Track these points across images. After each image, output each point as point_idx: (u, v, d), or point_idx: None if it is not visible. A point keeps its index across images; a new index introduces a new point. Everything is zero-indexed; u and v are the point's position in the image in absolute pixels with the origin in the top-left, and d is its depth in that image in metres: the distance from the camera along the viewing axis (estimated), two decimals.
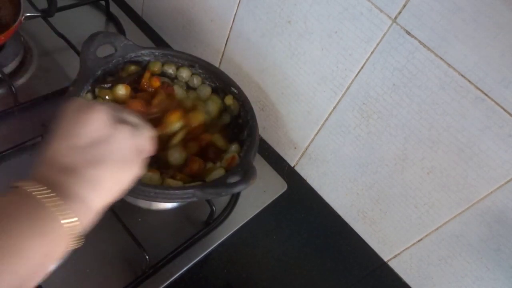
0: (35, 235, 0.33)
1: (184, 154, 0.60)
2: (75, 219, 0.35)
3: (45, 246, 0.34)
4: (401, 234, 0.68)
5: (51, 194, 0.35)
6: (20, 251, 0.32)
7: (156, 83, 0.66)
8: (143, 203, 0.66)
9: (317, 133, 0.72)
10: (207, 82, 0.70)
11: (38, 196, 0.34)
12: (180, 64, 0.69)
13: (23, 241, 0.32)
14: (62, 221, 0.34)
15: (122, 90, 0.63)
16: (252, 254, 0.68)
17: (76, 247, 0.36)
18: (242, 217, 0.70)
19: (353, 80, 0.62)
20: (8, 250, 0.31)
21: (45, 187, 0.35)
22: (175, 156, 0.60)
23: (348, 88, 0.63)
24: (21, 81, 0.72)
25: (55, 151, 0.38)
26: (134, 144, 0.41)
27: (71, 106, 0.41)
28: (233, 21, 0.74)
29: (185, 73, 0.69)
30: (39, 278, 0.34)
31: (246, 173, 0.55)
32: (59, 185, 0.36)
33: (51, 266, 0.35)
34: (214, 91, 0.70)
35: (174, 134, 0.61)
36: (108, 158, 0.39)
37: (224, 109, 0.69)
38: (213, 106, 0.67)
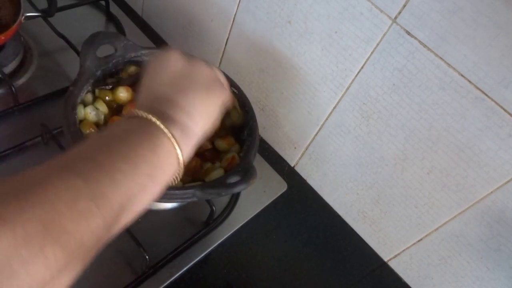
0: (145, 146, 0.36)
1: None
2: (179, 146, 0.38)
3: (154, 156, 0.36)
4: (401, 234, 0.68)
5: (160, 120, 0.38)
6: (135, 162, 0.34)
7: None
8: None
9: (317, 133, 0.72)
10: None
11: (153, 120, 0.38)
12: None
13: (134, 149, 0.35)
14: (170, 138, 0.37)
15: (123, 93, 0.63)
16: (252, 254, 0.68)
17: (177, 173, 0.39)
18: (242, 217, 0.70)
19: (353, 80, 0.62)
20: (125, 157, 0.34)
21: (156, 116, 0.38)
22: None
23: (348, 88, 0.63)
24: (21, 81, 0.72)
25: (147, 91, 0.43)
26: (213, 74, 0.46)
27: (154, 59, 0.46)
28: (233, 21, 0.74)
29: None
30: (146, 196, 0.35)
31: (246, 173, 0.55)
32: (160, 113, 0.39)
33: (157, 185, 0.36)
34: None
35: None
36: (194, 86, 0.43)
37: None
38: None
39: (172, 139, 0.38)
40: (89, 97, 0.61)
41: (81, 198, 0.30)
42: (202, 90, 0.43)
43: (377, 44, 0.57)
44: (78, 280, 0.59)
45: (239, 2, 0.71)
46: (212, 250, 0.66)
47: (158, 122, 0.38)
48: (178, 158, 0.38)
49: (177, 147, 0.38)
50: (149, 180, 0.35)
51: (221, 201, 0.70)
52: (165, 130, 0.38)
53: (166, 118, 0.39)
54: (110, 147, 0.35)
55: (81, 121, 0.59)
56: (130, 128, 0.38)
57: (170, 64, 0.45)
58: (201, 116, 0.42)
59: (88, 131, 0.58)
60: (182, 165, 0.39)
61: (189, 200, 0.55)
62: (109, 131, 0.38)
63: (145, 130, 0.37)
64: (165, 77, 0.43)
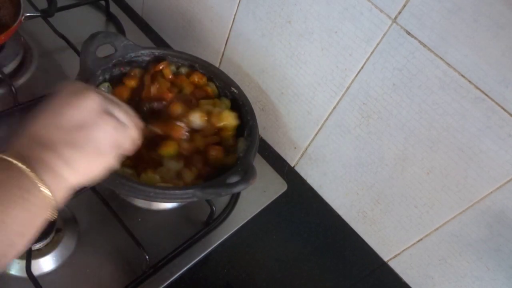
0: (17, 203, 0.35)
1: (181, 164, 0.60)
2: (51, 192, 0.37)
3: (25, 213, 0.35)
4: (401, 234, 0.68)
5: (31, 167, 0.37)
6: (1, 217, 0.33)
7: (167, 94, 0.64)
8: (143, 203, 0.66)
9: (317, 133, 0.72)
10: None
11: (21, 166, 0.36)
12: (180, 64, 0.69)
13: (5, 207, 0.34)
14: (43, 190, 0.36)
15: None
16: (252, 254, 0.68)
17: (50, 219, 0.38)
18: (242, 217, 0.70)
19: (353, 80, 0.62)
20: None
21: (25, 160, 0.37)
22: (171, 164, 0.59)
23: (348, 88, 0.63)
24: (21, 81, 0.72)
25: (40, 125, 0.40)
26: (114, 138, 0.43)
27: (66, 87, 0.43)
28: (233, 21, 0.74)
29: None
30: (15, 251, 0.35)
31: (246, 173, 0.55)
32: (38, 159, 0.38)
33: (27, 239, 0.36)
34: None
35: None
36: (86, 144, 0.40)
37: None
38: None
39: (42, 186, 0.36)
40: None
41: None
42: (93, 152, 0.41)
43: (377, 44, 0.57)
44: (78, 280, 0.59)
45: (239, 2, 0.71)
46: (212, 250, 0.66)
47: (31, 174, 0.36)
48: (51, 204, 0.37)
49: (47, 195, 0.37)
50: (19, 237, 0.35)
51: (221, 201, 0.70)
52: (36, 181, 0.36)
53: (42, 166, 0.37)
54: None
55: None
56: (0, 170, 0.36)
57: (81, 108, 0.41)
58: (82, 173, 0.41)
59: None
60: (55, 210, 0.38)
61: (189, 200, 0.55)
62: None
63: (14, 182, 0.35)
64: (66, 120, 0.40)
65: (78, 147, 0.40)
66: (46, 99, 0.42)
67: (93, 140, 0.41)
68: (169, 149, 0.59)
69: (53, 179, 0.38)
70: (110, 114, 0.43)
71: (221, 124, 0.63)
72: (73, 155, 0.39)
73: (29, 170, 0.36)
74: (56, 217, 0.38)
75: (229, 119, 0.63)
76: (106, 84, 0.63)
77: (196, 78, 0.68)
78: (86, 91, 0.42)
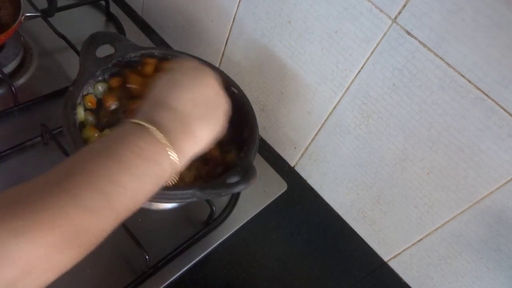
0: (146, 160, 0.38)
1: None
2: (177, 158, 0.40)
3: (152, 176, 0.38)
4: (401, 234, 0.68)
5: (164, 133, 0.40)
6: (132, 172, 0.37)
7: None
8: (143, 203, 0.66)
9: (317, 133, 0.72)
10: None
11: (154, 131, 0.39)
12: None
13: (137, 166, 0.37)
14: (169, 153, 0.39)
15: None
16: (252, 254, 0.68)
17: (168, 182, 0.42)
18: (242, 217, 0.70)
19: (353, 80, 0.62)
20: (124, 170, 0.36)
21: (158, 126, 0.40)
22: None
23: (348, 88, 0.63)
24: (21, 81, 0.72)
25: (175, 99, 0.44)
26: (227, 111, 0.49)
27: (187, 62, 0.49)
28: (233, 21, 0.74)
29: None
30: (137, 204, 0.38)
31: (246, 173, 0.55)
32: (171, 128, 0.41)
33: (146, 197, 0.39)
34: None
35: None
36: (212, 120, 0.46)
37: None
38: None
39: (169, 151, 0.40)
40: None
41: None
42: (215, 125, 0.46)
43: (377, 44, 0.57)
44: (78, 280, 0.59)
45: (239, 2, 0.71)
46: (212, 250, 0.66)
47: (155, 132, 0.39)
48: (172, 165, 0.40)
49: (172, 154, 0.40)
50: (142, 195, 0.38)
51: (221, 201, 0.70)
52: (163, 141, 0.39)
53: (171, 137, 0.40)
54: (109, 156, 0.37)
55: (81, 122, 0.59)
56: (127, 138, 0.39)
57: (210, 87, 0.47)
58: (201, 144, 0.44)
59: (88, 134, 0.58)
60: (177, 170, 0.41)
61: (189, 200, 0.55)
62: (108, 140, 0.39)
63: (142, 139, 0.39)
64: (199, 97, 0.45)
65: (206, 123, 0.44)
66: (167, 70, 0.47)
67: (216, 117, 0.46)
68: None
69: (179, 148, 0.41)
70: (221, 92, 0.48)
71: None
72: (201, 130, 0.44)
73: (161, 135, 0.39)
74: (174, 181, 0.44)
75: None
76: (105, 85, 0.62)
77: None
78: (207, 69, 0.48)
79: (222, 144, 0.65)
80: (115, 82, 0.63)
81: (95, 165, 0.35)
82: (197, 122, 0.43)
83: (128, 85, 0.64)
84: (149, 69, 0.65)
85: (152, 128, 0.40)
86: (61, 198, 0.32)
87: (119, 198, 0.36)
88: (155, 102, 0.44)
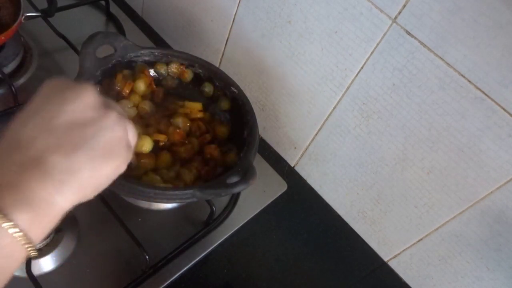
0: None
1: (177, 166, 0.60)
2: (22, 233, 0.28)
3: None
4: (401, 234, 0.68)
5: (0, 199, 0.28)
6: None
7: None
8: (143, 203, 0.66)
9: (317, 133, 0.72)
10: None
11: None
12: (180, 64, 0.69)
13: None
14: (10, 231, 0.28)
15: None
16: (252, 254, 0.68)
17: (31, 256, 0.30)
18: (242, 217, 0.70)
19: (353, 80, 0.62)
20: None
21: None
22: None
23: (348, 88, 0.63)
24: (21, 81, 0.72)
25: (20, 129, 0.31)
26: (122, 133, 0.34)
27: (51, 82, 0.35)
28: (233, 21, 0.74)
29: None
30: None
31: (246, 173, 0.55)
32: (12, 184, 0.28)
33: (3, 282, 0.29)
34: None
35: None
36: (88, 143, 0.31)
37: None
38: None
39: (8, 228, 0.27)
40: None
41: None
42: (99, 152, 0.32)
43: (377, 44, 0.57)
44: (78, 280, 0.59)
45: (239, 2, 0.71)
46: (212, 250, 0.66)
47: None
48: (18, 240, 0.28)
49: (7, 225, 0.28)
50: None
51: (221, 201, 0.70)
52: (9, 230, 0.28)
53: (19, 193, 0.28)
54: None
55: None
56: None
57: (78, 102, 0.33)
58: (83, 185, 0.32)
59: None
60: (36, 239, 0.30)
61: (189, 200, 0.55)
62: None
63: None
64: (59, 117, 0.31)
65: (78, 150, 0.31)
66: (30, 98, 0.34)
67: (97, 138, 0.32)
68: (144, 143, 0.59)
69: (32, 211, 0.28)
70: (111, 107, 0.35)
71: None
72: (70, 164, 0.30)
73: None
74: (36, 254, 0.30)
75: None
76: (97, 87, 0.62)
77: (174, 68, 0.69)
78: (79, 84, 0.34)
79: (222, 144, 0.65)
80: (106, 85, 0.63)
81: None
82: (58, 152, 0.30)
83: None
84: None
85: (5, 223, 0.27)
86: None
87: None
88: (32, 145, 0.30)
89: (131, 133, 0.37)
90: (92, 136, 0.32)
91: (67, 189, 0.31)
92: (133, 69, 0.66)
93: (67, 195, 0.31)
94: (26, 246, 0.29)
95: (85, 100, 0.33)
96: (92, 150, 0.32)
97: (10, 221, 0.27)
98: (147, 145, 0.58)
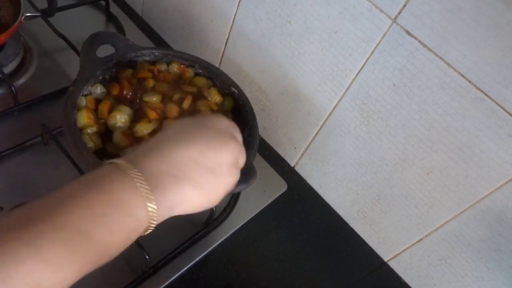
0: (118, 209, 0.34)
1: None
2: (156, 212, 0.36)
3: (123, 222, 0.35)
4: (401, 234, 0.68)
5: (147, 184, 0.36)
6: (103, 222, 0.33)
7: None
8: None
9: (317, 133, 0.72)
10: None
11: (135, 178, 0.35)
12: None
13: (107, 215, 0.33)
14: (148, 205, 0.36)
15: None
16: (252, 254, 0.68)
17: (147, 232, 0.38)
18: (242, 217, 0.70)
19: (353, 80, 0.62)
20: (93, 219, 0.33)
21: (147, 176, 0.36)
22: None
23: (348, 88, 0.63)
24: (21, 81, 0.72)
25: (179, 153, 0.39)
26: (233, 183, 0.43)
27: (218, 121, 0.44)
28: (233, 21, 0.74)
29: None
30: (104, 258, 0.35)
31: (246, 173, 0.55)
32: (155, 180, 0.37)
33: (116, 251, 0.35)
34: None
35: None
36: (210, 189, 0.40)
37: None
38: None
39: (148, 202, 0.36)
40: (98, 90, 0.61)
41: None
42: (216, 195, 0.41)
43: (377, 44, 0.57)
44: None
45: (239, 2, 0.71)
46: (212, 250, 0.66)
47: (136, 179, 0.35)
48: (150, 218, 0.37)
49: (151, 206, 0.36)
50: (109, 248, 0.35)
51: (221, 201, 0.70)
52: (142, 189, 0.36)
53: (159, 189, 0.37)
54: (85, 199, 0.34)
55: (82, 128, 0.57)
56: (101, 182, 0.35)
57: (225, 156, 0.41)
58: (192, 208, 0.40)
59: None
60: (155, 224, 0.38)
61: None
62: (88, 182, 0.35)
63: (118, 185, 0.35)
64: (209, 162, 0.40)
65: (199, 188, 0.39)
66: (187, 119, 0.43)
67: (215, 188, 0.41)
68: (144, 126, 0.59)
69: (162, 201, 0.37)
70: (238, 164, 0.44)
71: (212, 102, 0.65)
72: (191, 193, 0.39)
73: (143, 183, 0.35)
74: (151, 231, 0.39)
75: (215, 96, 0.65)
76: (98, 86, 0.62)
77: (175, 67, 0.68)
78: (233, 139, 0.43)
79: None
80: (115, 89, 0.62)
81: (61, 211, 0.32)
82: (190, 183, 0.38)
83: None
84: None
85: (134, 173, 0.35)
86: (21, 249, 0.29)
87: (83, 250, 0.33)
88: (151, 147, 0.39)
89: (243, 159, 0.46)
90: (215, 185, 0.41)
91: (182, 206, 0.39)
92: (135, 68, 0.66)
93: (180, 209, 0.40)
94: (151, 221, 0.37)
95: (231, 157, 0.42)
96: (209, 193, 0.41)
97: (154, 203, 0.36)
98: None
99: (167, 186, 0.37)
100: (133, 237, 0.36)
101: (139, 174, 0.36)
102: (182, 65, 0.68)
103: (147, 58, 0.67)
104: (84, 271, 0.34)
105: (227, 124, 0.44)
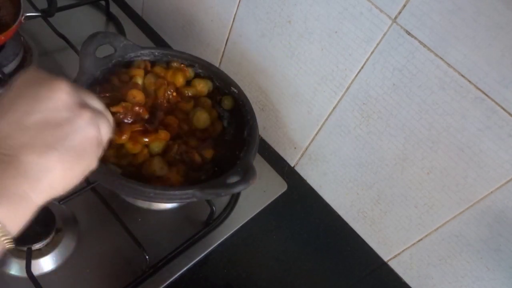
0: None
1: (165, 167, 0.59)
2: (4, 223, 0.29)
3: None
4: (401, 234, 0.68)
5: None
6: None
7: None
8: (143, 203, 0.66)
9: (317, 133, 0.72)
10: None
11: None
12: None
13: None
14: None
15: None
16: (252, 254, 0.68)
17: (6, 248, 0.31)
18: (242, 217, 0.70)
19: (353, 80, 0.62)
20: None
21: None
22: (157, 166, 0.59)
23: (348, 88, 0.63)
24: None
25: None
26: (94, 133, 0.35)
27: (25, 76, 0.34)
28: (233, 21, 0.74)
29: None
30: None
31: (246, 173, 0.55)
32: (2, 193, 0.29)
33: None
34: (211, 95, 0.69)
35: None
36: (62, 144, 0.32)
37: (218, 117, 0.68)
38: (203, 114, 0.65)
39: None
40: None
41: None
42: (71, 152, 0.33)
43: (377, 44, 0.57)
44: (78, 280, 0.59)
45: (239, 2, 0.71)
46: (212, 250, 0.66)
47: None
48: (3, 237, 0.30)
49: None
50: None
51: (221, 201, 0.70)
52: None
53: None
54: None
55: None
56: None
57: (51, 101, 0.33)
58: (54, 183, 0.32)
59: None
60: (10, 233, 0.31)
61: (188, 200, 0.55)
62: None
63: None
64: (32, 117, 0.32)
65: (50, 150, 0.32)
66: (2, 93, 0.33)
67: (69, 138, 0.33)
68: (157, 144, 0.59)
69: (8, 205, 0.30)
70: (85, 105, 0.35)
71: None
72: (42, 163, 0.31)
73: None
74: (13, 246, 0.31)
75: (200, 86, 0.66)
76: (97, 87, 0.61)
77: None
78: (53, 80, 0.34)
79: (217, 144, 0.64)
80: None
81: None
82: (33, 151, 0.31)
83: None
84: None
85: None
86: None
87: None
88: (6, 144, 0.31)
89: (104, 130, 0.37)
90: (65, 137, 0.33)
91: (40, 187, 0.32)
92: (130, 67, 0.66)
93: (40, 192, 0.32)
94: (3, 238, 0.30)
95: (59, 99, 0.33)
96: (64, 151, 0.32)
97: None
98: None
99: (4, 181, 0.30)
100: None
101: None
102: (182, 65, 0.68)
103: (147, 58, 0.67)
104: None
105: (30, 73, 0.35)
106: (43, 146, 0.32)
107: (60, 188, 0.33)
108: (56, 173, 0.32)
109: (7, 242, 0.30)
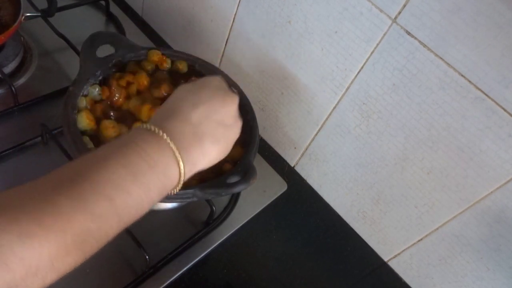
0: (153, 167, 0.38)
1: None
2: (184, 170, 0.41)
3: (157, 179, 0.39)
4: (401, 234, 0.68)
5: (177, 145, 0.40)
6: (140, 181, 0.37)
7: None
8: None
9: (317, 133, 0.72)
10: None
11: (169, 142, 0.40)
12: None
13: (144, 175, 0.37)
14: (178, 163, 0.40)
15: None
16: (252, 254, 0.68)
17: (172, 191, 0.42)
18: (242, 217, 0.70)
19: (353, 80, 0.62)
20: (132, 178, 0.37)
21: (173, 137, 0.40)
22: None
23: (348, 88, 0.63)
24: (21, 81, 0.72)
25: (197, 115, 0.44)
26: (237, 137, 0.49)
27: (218, 79, 0.49)
28: (233, 21, 0.74)
29: None
30: (140, 212, 0.39)
31: (246, 173, 0.55)
32: (180, 140, 0.41)
33: (149, 205, 0.39)
34: None
35: None
36: (224, 140, 0.46)
37: None
38: None
39: (177, 155, 0.40)
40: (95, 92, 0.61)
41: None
42: (225, 147, 0.46)
43: (377, 44, 0.57)
44: (78, 280, 0.59)
45: (239, 2, 0.71)
46: (212, 250, 0.66)
47: (167, 140, 0.40)
48: (179, 175, 0.41)
49: (180, 164, 0.40)
50: (144, 202, 0.38)
51: (221, 201, 0.70)
52: (173, 149, 0.40)
53: (184, 148, 0.41)
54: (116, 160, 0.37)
55: (82, 129, 0.57)
56: (136, 143, 0.39)
57: (231, 109, 0.47)
58: (208, 163, 0.45)
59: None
60: (182, 181, 0.42)
61: (189, 200, 0.55)
62: (119, 144, 0.39)
63: (152, 146, 0.39)
64: (218, 116, 0.45)
65: (218, 143, 0.45)
66: (188, 84, 0.47)
67: (228, 138, 0.46)
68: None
69: (187, 160, 0.41)
70: (239, 117, 0.49)
71: None
72: (211, 148, 0.44)
73: (173, 144, 0.40)
74: (179, 189, 0.42)
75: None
76: (96, 87, 0.61)
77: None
78: (231, 93, 0.48)
79: None
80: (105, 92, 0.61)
81: (102, 170, 0.36)
82: (209, 139, 0.44)
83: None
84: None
85: (164, 135, 0.40)
86: (67, 203, 0.33)
87: (123, 205, 0.36)
88: (169, 110, 0.44)
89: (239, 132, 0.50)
90: (227, 136, 0.46)
91: (202, 162, 0.44)
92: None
93: (200, 166, 0.44)
94: (179, 187, 0.42)
95: (233, 109, 0.47)
96: (222, 145, 0.46)
97: (182, 160, 0.40)
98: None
99: (191, 145, 0.42)
100: (165, 193, 0.41)
101: (167, 136, 0.40)
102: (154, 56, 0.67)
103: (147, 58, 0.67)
104: (123, 225, 0.37)
105: (220, 80, 0.49)
106: (216, 138, 0.44)
107: (203, 167, 0.45)
108: (210, 157, 0.45)
109: (180, 184, 0.42)
